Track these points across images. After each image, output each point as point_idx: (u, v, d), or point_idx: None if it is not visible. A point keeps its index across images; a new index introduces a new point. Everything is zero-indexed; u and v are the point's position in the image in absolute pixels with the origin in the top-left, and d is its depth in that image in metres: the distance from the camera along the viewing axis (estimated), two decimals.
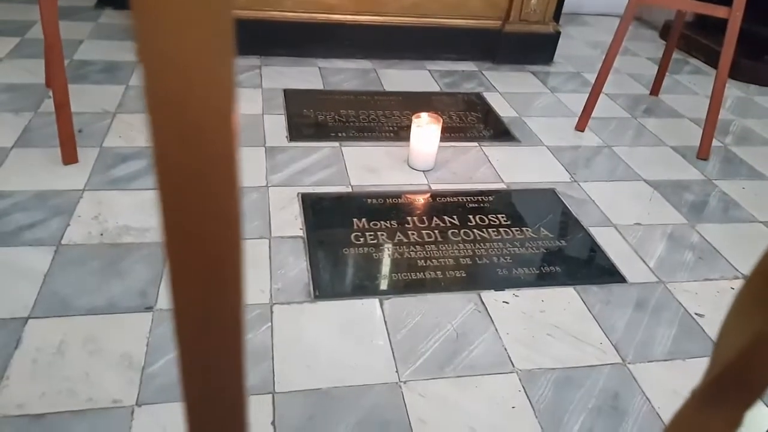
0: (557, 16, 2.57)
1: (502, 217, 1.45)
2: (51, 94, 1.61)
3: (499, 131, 1.90)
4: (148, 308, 1.09)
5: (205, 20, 0.16)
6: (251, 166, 1.55)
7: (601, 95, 1.95)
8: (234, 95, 0.18)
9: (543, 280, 1.27)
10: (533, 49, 2.40)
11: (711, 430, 0.26)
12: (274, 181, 1.51)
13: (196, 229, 0.20)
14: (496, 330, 1.12)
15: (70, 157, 1.47)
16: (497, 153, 1.75)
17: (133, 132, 1.64)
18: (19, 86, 1.80)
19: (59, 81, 1.43)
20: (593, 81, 1.91)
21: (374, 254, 1.29)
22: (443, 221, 1.42)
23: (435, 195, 1.53)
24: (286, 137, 1.72)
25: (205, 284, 0.22)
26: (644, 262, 1.35)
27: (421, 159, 1.63)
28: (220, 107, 0.18)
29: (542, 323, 1.15)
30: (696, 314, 1.21)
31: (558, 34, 2.43)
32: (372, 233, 1.35)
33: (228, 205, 0.20)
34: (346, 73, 2.18)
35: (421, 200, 1.51)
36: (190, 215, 0.20)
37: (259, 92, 1.96)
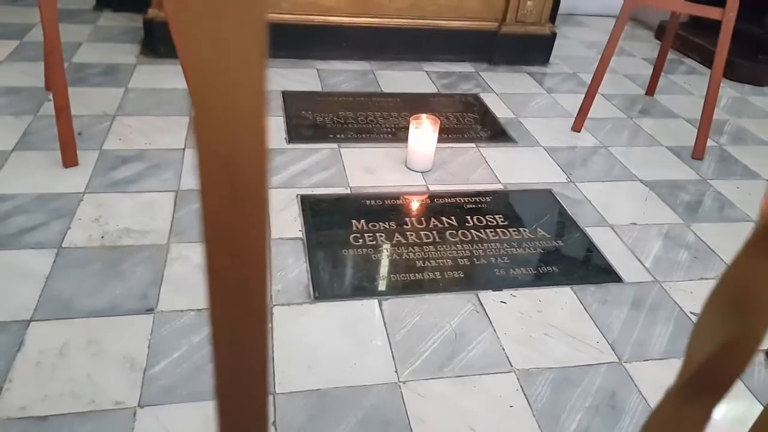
0: (553, 17, 2.59)
1: (500, 217, 1.47)
2: (51, 97, 1.62)
3: (496, 132, 1.91)
4: (149, 310, 1.10)
5: (241, 39, 0.20)
6: None
7: (597, 96, 1.96)
8: (265, 110, 0.21)
9: (540, 280, 1.28)
10: (530, 50, 2.41)
11: (684, 425, 0.27)
12: (274, 183, 1.52)
13: (230, 231, 0.24)
14: (494, 330, 1.13)
15: (70, 159, 1.48)
16: (494, 154, 1.76)
17: (132, 134, 1.65)
18: (18, 89, 1.81)
19: (59, 84, 1.44)
20: (589, 81, 1.92)
21: (373, 255, 1.30)
22: (441, 222, 1.43)
23: (433, 196, 1.54)
24: (285, 139, 1.73)
25: (236, 284, 0.25)
26: (640, 261, 1.37)
27: (419, 160, 1.64)
28: (252, 116, 0.21)
29: (540, 323, 1.16)
30: (691, 313, 1.23)
31: (554, 35, 2.44)
32: (371, 234, 1.36)
33: (257, 209, 0.23)
34: (344, 75, 2.19)
35: (419, 201, 1.52)
36: (226, 216, 0.24)
37: None
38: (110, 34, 2.30)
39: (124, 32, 2.32)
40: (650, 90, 2.28)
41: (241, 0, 0.19)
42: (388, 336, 1.10)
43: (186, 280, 1.18)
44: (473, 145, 1.80)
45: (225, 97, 0.21)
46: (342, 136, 1.78)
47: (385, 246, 1.33)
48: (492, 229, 1.42)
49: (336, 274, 1.24)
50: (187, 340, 1.05)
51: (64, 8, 2.37)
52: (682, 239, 1.46)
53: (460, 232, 1.40)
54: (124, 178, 1.46)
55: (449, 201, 1.52)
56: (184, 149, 1.61)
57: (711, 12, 1.78)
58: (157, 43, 2.09)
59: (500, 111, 2.03)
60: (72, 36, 2.21)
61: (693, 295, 1.28)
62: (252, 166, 0.23)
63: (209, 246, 0.25)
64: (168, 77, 1.97)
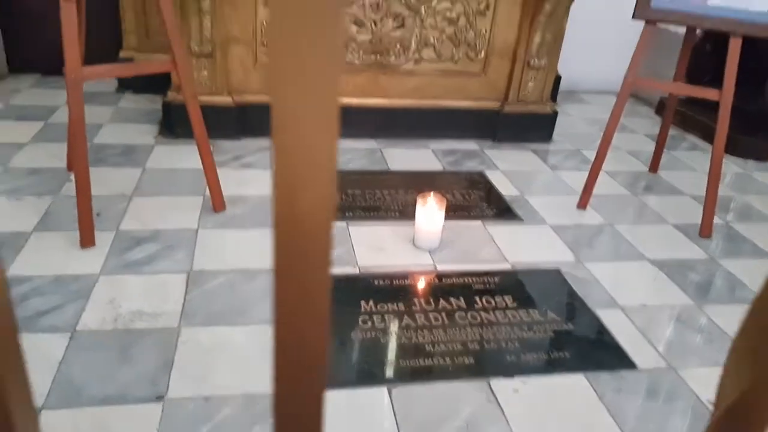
0: (554, 95, 2.69)
1: (509, 298, 1.47)
2: (72, 177, 1.68)
3: (502, 209, 1.94)
4: (159, 398, 1.09)
5: (319, 121, 0.24)
6: (260, 248, 1.59)
7: (601, 173, 2.01)
8: (334, 180, 0.26)
9: (552, 366, 1.26)
10: (532, 127, 2.49)
11: None
12: None
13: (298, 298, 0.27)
14: (507, 421, 1.11)
15: (87, 240, 1.52)
16: (501, 232, 1.79)
17: (148, 215, 1.70)
18: (41, 170, 1.88)
19: (81, 167, 1.50)
20: (593, 158, 1.97)
21: (381, 339, 1.30)
22: (450, 303, 1.43)
23: (441, 275, 1.55)
24: None
25: (300, 360, 0.28)
26: (653, 346, 1.35)
27: (426, 238, 1.66)
28: (323, 186, 0.25)
29: (553, 414, 1.14)
30: (709, 401, 1.20)
31: (555, 113, 2.53)
32: (379, 316, 1.37)
33: (322, 278, 0.27)
34: (352, 153, 2.26)
35: (427, 281, 1.53)
36: (295, 283, 0.27)
37: (269, 174, 2.03)
38: (130, 115, 2.41)
39: (143, 113, 2.43)
40: (653, 167, 2.33)
41: (319, 88, 0.23)
42: (398, 429, 1.08)
43: (195, 366, 1.17)
44: (479, 222, 1.83)
45: (303, 170, 0.25)
46: (351, 213, 1.82)
47: (393, 329, 1.33)
48: (501, 311, 1.42)
49: (344, 360, 1.23)
50: (195, 430, 1.03)
51: (87, 90, 2.50)
52: (694, 322, 1.45)
53: (469, 314, 1.40)
54: (138, 260, 1.49)
55: (457, 281, 1.53)
56: (197, 229, 1.65)
57: (708, 93, 1.86)
58: (174, 124, 2.18)
59: (505, 188, 2.08)
60: (94, 117, 2.32)
61: (709, 382, 1.25)
62: (320, 232, 0.26)
63: (279, 312, 0.27)
64: (184, 157, 2.05)
